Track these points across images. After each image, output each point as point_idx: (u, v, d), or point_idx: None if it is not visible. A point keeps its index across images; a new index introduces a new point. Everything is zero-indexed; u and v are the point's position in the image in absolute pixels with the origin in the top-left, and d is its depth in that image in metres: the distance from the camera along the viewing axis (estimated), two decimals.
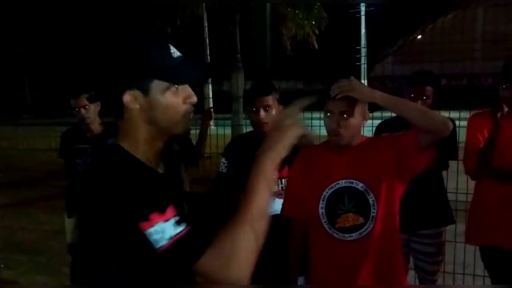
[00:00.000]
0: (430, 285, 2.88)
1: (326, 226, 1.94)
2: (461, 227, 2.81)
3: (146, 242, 1.01)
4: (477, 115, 2.64)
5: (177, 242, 1.02)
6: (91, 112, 3.31)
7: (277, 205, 2.25)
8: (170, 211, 1.04)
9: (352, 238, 1.91)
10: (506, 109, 2.39)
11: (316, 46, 15.50)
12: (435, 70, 3.09)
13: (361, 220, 1.90)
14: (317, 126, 2.86)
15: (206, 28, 15.08)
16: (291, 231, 2.12)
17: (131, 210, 1.03)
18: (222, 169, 2.56)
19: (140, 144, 1.18)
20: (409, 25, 21.37)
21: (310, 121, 3.33)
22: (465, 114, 2.77)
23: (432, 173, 2.73)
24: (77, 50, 23.07)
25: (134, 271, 1.08)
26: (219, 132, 4.69)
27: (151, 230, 1.02)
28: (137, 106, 1.14)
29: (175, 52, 1.17)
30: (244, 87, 11.06)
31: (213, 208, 2.51)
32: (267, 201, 1.14)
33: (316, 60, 18.08)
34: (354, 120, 1.87)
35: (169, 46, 1.17)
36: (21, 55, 28.66)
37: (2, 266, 4.42)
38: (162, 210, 1.03)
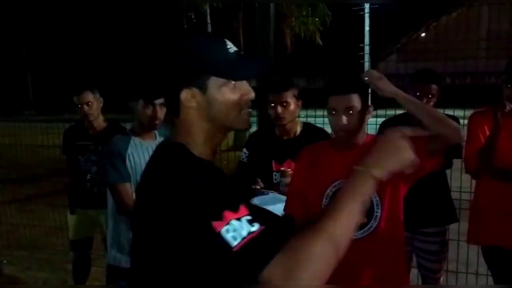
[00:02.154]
0: (433, 285, 2.87)
1: None
2: (464, 225, 2.80)
3: (220, 241, 0.96)
4: (478, 113, 2.62)
5: (252, 241, 0.96)
6: (94, 108, 3.30)
7: (281, 197, 2.28)
8: (242, 209, 1.00)
9: (355, 237, 1.90)
10: (509, 107, 2.37)
11: (321, 43, 15.48)
12: (438, 68, 3.08)
13: (364, 219, 1.89)
14: (321, 124, 2.87)
15: (209, 25, 15.05)
16: (293, 229, 2.11)
17: (203, 209, 0.98)
18: (243, 159, 2.74)
19: (198, 141, 1.15)
20: (413, 23, 21.32)
21: (314, 118, 3.32)
22: (469, 113, 2.75)
23: (436, 172, 2.73)
24: (88, 49, 23.11)
25: (208, 271, 1.00)
26: None
27: (225, 228, 0.96)
28: (195, 104, 1.13)
29: (231, 48, 1.15)
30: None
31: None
32: (356, 222, 1.08)
33: (319, 58, 18.05)
34: (359, 116, 1.86)
35: (225, 41, 1.15)
36: (24, 51, 28.71)
37: (4, 262, 4.43)
38: (234, 209, 0.99)
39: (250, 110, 1.18)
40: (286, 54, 15.74)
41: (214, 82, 1.11)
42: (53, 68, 27.42)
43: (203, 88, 1.12)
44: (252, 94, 1.16)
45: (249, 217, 0.99)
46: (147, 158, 2.50)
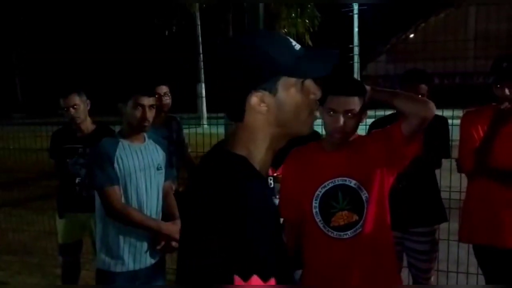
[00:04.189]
0: (423, 285, 2.88)
1: (320, 225, 1.93)
2: (454, 225, 2.81)
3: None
4: (471, 112, 2.62)
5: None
6: (81, 111, 3.27)
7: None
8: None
9: (347, 236, 1.90)
10: (506, 105, 2.37)
11: (310, 43, 15.52)
12: (428, 68, 3.09)
13: (355, 217, 1.89)
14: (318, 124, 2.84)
15: (199, 26, 15.04)
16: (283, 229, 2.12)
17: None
18: None
19: (261, 149, 1.06)
20: (401, 24, 21.45)
21: None
22: (458, 113, 2.77)
23: (425, 171, 2.74)
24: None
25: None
26: (212, 131, 4.67)
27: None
28: (265, 108, 1.02)
29: (296, 45, 1.06)
30: None
31: None
32: None
33: None
34: (357, 119, 1.86)
35: (289, 39, 1.07)
36: (13, 54, 28.48)
37: None
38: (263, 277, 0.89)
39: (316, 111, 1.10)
40: None
41: (284, 82, 1.01)
42: (41, 70, 27.22)
43: (273, 90, 1.01)
44: (319, 93, 1.07)
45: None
46: (135, 161, 2.50)
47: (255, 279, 0.88)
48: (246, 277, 0.88)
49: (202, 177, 1.05)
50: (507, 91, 2.35)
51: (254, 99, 1.01)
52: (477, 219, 2.54)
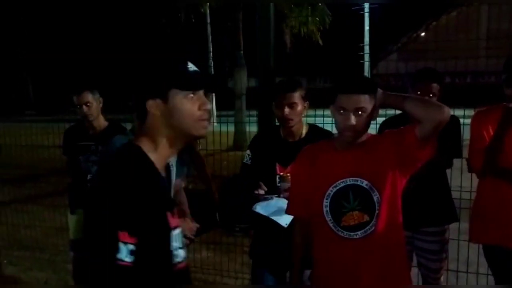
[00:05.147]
0: (433, 285, 2.87)
1: (331, 225, 1.93)
2: (465, 225, 2.80)
3: (116, 247, 1.18)
4: (482, 112, 2.60)
5: (120, 268, 1.18)
6: (94, 109, 3.30)
7: (285, 204, 2.26)
8: (131, 237, 1.19)
9: (357, 236, 1.90)
10: None
11: (321, 42, 15.46)
12: (439, 67, 3.07)
13: (366, 218, 1.89)
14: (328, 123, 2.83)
15: (209, 25, 15.05)
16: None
17: (113, 219, 1.19)
18: (246, 161, 2.67)
19: (159, 146, 1.33)
20: (412, 23, 21.31)
21: (322, 118, 3.26)
22: (469, 112, 2.75)
23: (436, 171, 2.73)
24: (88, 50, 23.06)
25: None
26: (222, 129, 4.68)
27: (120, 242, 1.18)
28: (158, 112, 1.30)
29: (192, 67, 1.35)
30: (247, 84, 11.03)
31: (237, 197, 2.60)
32: None
33: (320, 57, 18.03)
34: (368, 117, 1.85)
35: (187, 62, 1.35)
36: (24, 51, 28.69)
37: (5, 262, 4.43)
38: (129, 231, 1.19)
39: (207, 119, 1.36)
40: (286, 54, 15.71)
41: (175, 94, 1.30)
42: (53, 68, 27.40)
43: (165, 99, 1.30)
44: (208, 106, 1.35)
45: (131, 247, 1.19)
46: None
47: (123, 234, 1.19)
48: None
49: (108, 158, 1.39)
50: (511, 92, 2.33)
51: (150, 104, 1.30)
52: (487, 219, 2.52)
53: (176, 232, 1.36)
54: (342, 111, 1.84)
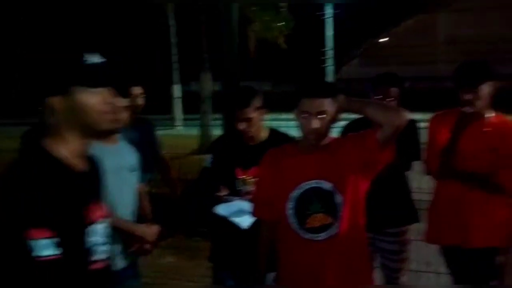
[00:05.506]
0: (395, 285, 2.93)
1: (295, 227, 1.94)
2: (425, 225, 2.86)
3: (28, 247, 1.20)
4: (438, 116, 2.70)
5: (44, 264, 1.20)
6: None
7: (246, 206, 2.26)
8: (47, 231, 1.21)
9: (321, 238, 1.92)
10: (467, 110, 2.45)
11: (285, 46, 15.57)
12: (399, 72, 3.15)
13: (329, 220, 1.92)
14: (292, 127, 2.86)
15: (173, 27, 14.92)
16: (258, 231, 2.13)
17: (19, 217, 1.21)
18: (207, 164, 2.65)
19: (69, 141, 1.36)
20: (374, 28, 21.76)
21: (277, 122, 3.32)
22: (428, 116, 2.83)
23: (396, 173, 2.79)
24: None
25: (25, 270, 1.23)
26: (188, 132, 4.65)
27: (32, 239, 1.20)
28: (62, 109, 1.34)
29: (90, 60, 1.36)
30: (212, 88, 10.99)
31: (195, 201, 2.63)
32: None
33: (284, 62, 18.17)
34: (330, 120, 1.89)
35: (85, 56, 1.36)
36: None
37: None
38: (41, 226, 1.21)
39: (112, 112, 1.39)
40: (250, 58, 15.76)
41: (78, 89, 1.33)
42: (10, 71, 26.48)
43: (68, 95, 1.33)
44: (110, 99, 1.38)
45: (49, 241, 1.21)
46: (108, 162, 2.42)
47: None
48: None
49: (15, 159, 1.37)
50: (466, 96, 2.42)
51: (53, 101, 1.33)
52: (444, 220, 2.60)
53: (100, 227, 1.36)
54: (305, 115, 1.87)
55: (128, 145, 2.58)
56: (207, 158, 2.67)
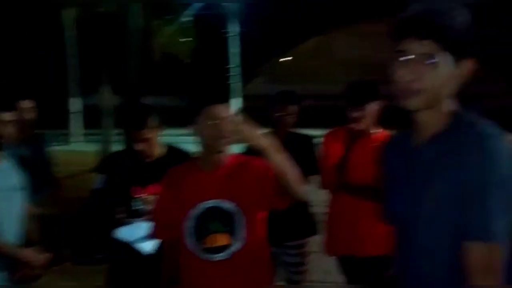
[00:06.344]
0: None
1: (193, 246, 1.90)
2: (323, 237, 2.97)
3: None
4: (331, 133, 2.83)
5: None
6: None
7: (145, 227, 2.18)
8: None
9: (220, 259, 1.88)
10: (356, 127, 2.59)
11: (187, 61, 15.53)
12: (300, 90, 3.26)
13: (229, 239, 1.89)
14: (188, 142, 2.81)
15: (72, 38, 14.26)
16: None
17: None
18: (98, 186, 2.49)
19: None
20: (277, 47, 22.50)
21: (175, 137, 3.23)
22: (323, 132, 2.95)
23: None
24: None
25: None
26: (88, 148, 4.41)
27: None
28: None
29: None
30: (112, 102, 10.60)
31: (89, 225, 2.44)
32: None
33: (188, 77, 18.09)
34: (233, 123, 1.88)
35: None
36: None
37: None
38: None
39: None
40: (153, 72, 15.48)
41: None
42: None
43: None
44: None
45: None
46: None
47: None
48: None
49: None
50: (353, 114, 2.57)
51: None
52: (339, 232, 2.71)
53: None
54: (212, 122, 1.84)
55: (13, 163, 2.38)
56: (98, 179, 2.52)
